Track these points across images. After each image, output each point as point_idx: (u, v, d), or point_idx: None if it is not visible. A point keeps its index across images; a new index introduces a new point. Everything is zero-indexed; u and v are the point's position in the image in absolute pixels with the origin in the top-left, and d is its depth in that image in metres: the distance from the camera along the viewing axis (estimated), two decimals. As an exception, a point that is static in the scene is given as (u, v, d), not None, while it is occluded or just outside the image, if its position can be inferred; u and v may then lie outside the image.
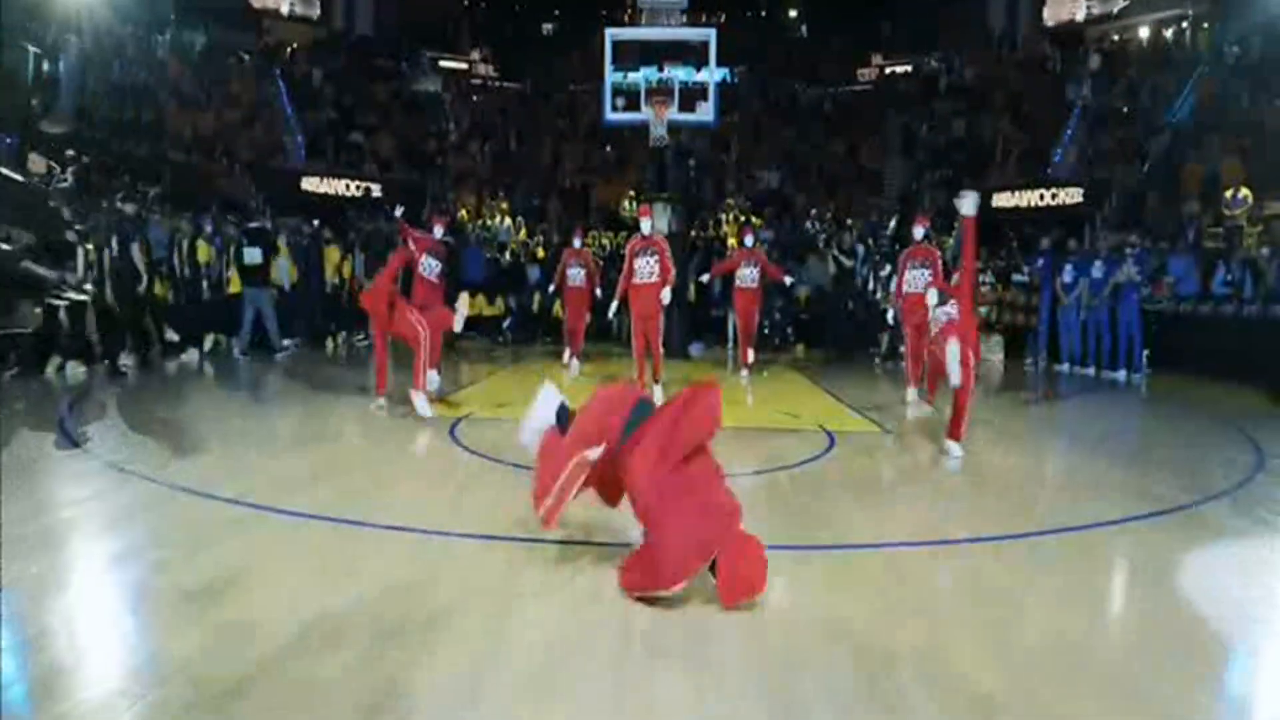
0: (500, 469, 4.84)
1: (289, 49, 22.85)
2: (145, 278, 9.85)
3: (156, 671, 2.36)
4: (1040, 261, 11.38)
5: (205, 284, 10.81)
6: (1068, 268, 11.00)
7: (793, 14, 29.47)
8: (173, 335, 10.22)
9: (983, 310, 12.01)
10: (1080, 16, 24.51)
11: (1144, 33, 23.53)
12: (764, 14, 28.97)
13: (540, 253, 15.15)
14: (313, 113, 20.74)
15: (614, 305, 8.54)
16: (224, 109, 19.06)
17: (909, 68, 24.96)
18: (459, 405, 7.14)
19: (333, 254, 11.89)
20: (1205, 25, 22.15)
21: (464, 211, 16.11)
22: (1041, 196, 17.64)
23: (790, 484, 4.72)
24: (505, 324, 12.70)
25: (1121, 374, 10.44)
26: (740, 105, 23.80)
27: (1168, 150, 17.61)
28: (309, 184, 17.59)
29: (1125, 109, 19.87)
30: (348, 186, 17.89)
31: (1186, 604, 3.08)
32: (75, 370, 8.49)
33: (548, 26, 28.34)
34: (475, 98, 23.04)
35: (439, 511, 3.99)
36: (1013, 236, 14.28)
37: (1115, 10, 23.91)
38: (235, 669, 2.36)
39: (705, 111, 10.70)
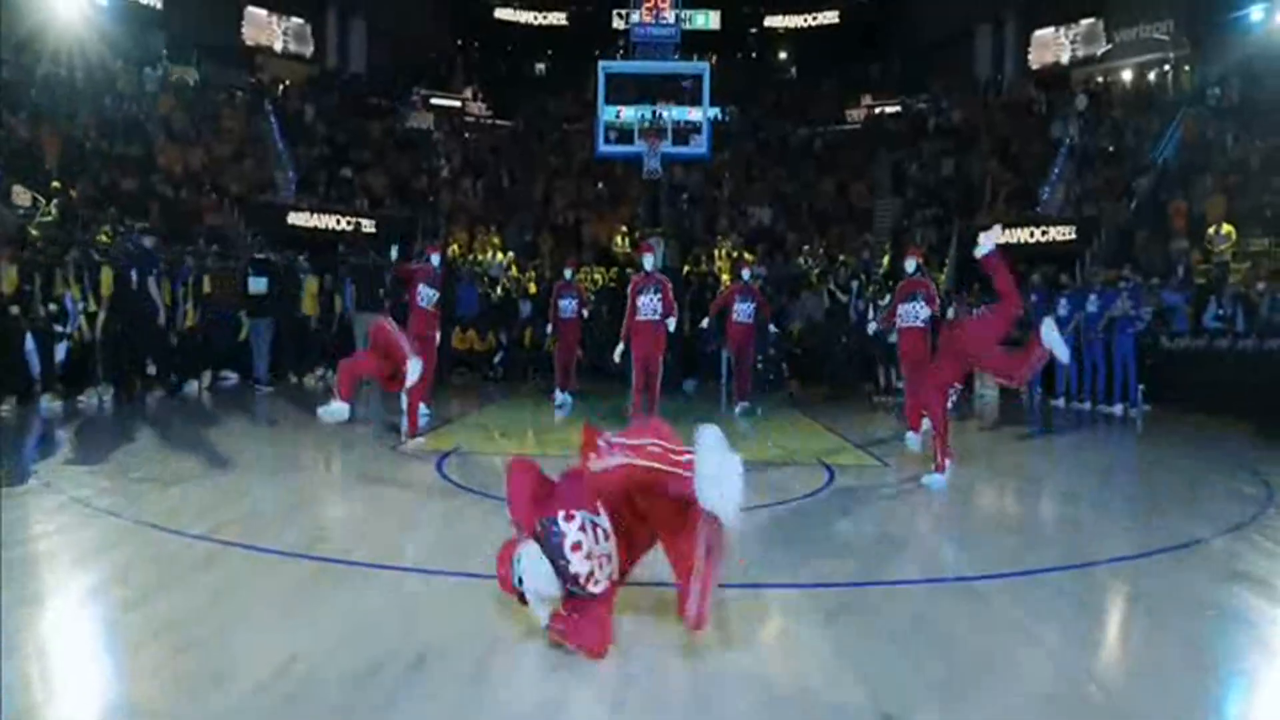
0: (486, 504, 4.63)
1: (282, 86, 22.97)
2: (162, 310, 9.82)
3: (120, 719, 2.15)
4: (1033, 296, 11.33)
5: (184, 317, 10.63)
6: (1062, 301, 10.97)
7: (783, 56, 29.93)
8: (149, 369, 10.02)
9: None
10: (1065, 59, 24.97)
11: (1127, 75, 23.97)
12: (754, 55, 29.41)
13: (532, 288, 15.05)
14: (305, 149, 20.79)
15: (619, 347, 8.25)
16: (214, 144, 19.05)
17: (898, 109, 25.30)
18: (448, 439, 6.94)
19: (310, 285, 11.71)
20: (1186, 68, 22.62)
21: (455, 246, 16.03)
22: (1031, 234, 17.73)
23: (792, 519, 4.54)
24: (496, 359, 12.54)
25: (1118, 408, 10.34)
26: (732, 144, 24.04)
27: (1154, 189, 17.78)
28: (299, 219, 17.51)
29: (1111, 148, 20.15)
30: (339, 221, 17.82)
31: (1214, 639, 2.90)
32: (52, 402, 8.24)
33: (540, 67, 28.65)
34: (467, 135, 23.15)
35: (421, 548, 3.79)
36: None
37: (1099, 54, 24.35)
38: (202, 716, 2.16)
39: (699, 144, 10.72)
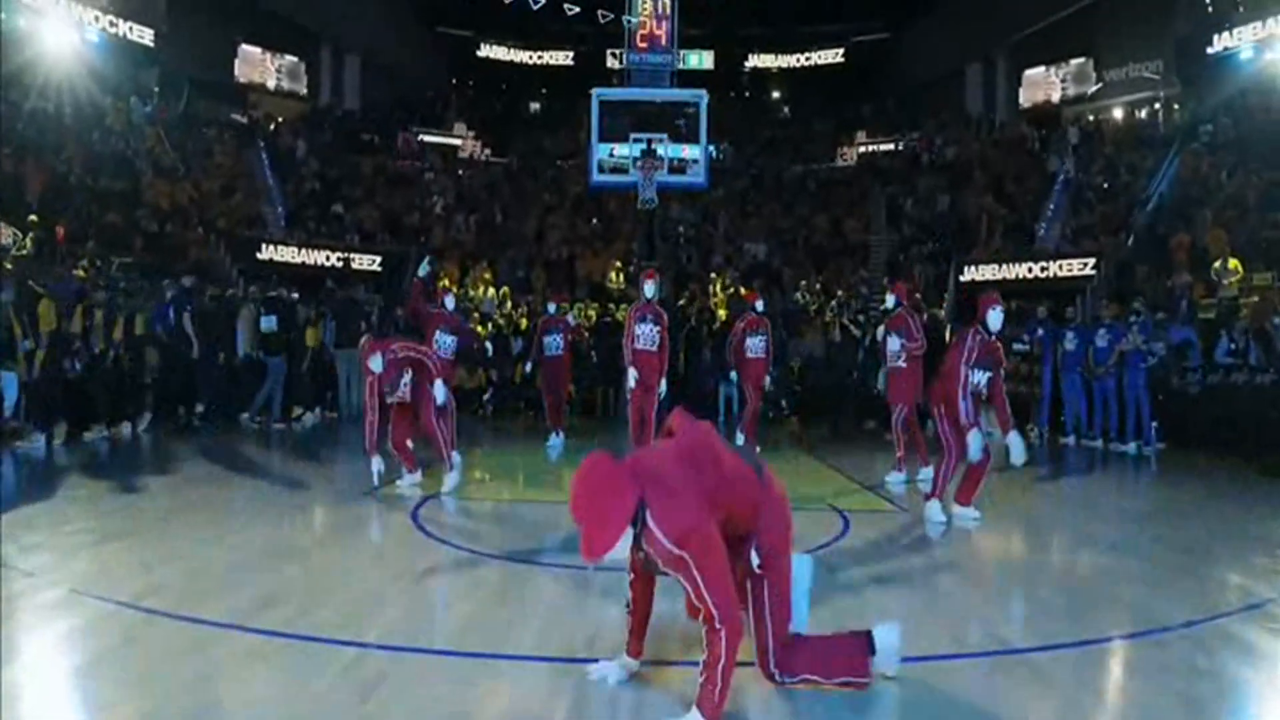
0: (463, 559, 4.10)
1: (273, 122, 22.76)
2: (197, 347, 9.78)
3: None
4: (1039, 330, 10.92)
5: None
6: (1069, 335, 10.55)
7: (776, 95, 30.00)
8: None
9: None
10: (1056, 98, 25.02)
11: (1118, 114, 24.02)
12: (748, 94, 29.46)
13: (524, 323, 14.60)
14: (295, 184, 20.50)
15: (631, 373, 7.80)
16: (203, 179, 18.73)
17: (891, 146, 25.24)
18: (426, 484, 6.39)
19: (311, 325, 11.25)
20: (1175, 106, 22.65)
21: (445, 281, 15.61)
22: (1030, 270, 17.44)
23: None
24: (485, 396, 12.03)
25: (1132, 446, 9.87)
26: (727, 180, 23.86)
27: (1152, 224, 17.57)
28: (287, 254, 17.10)
29: (1106, 184, 20.01)
30: (328, 257, 17.41)
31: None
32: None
33: (535, 105, 28.61)
34: (460, 172, 22.91)
35: (385, 616, 3.25)
36: (1014, 307, 13.89)
37: (1090, 92, 24.41)
38: None
39: (696, 173, 10.36)
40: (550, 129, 27.12)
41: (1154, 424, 9.97)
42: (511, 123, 27.39)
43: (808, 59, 29.32)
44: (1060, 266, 17.23)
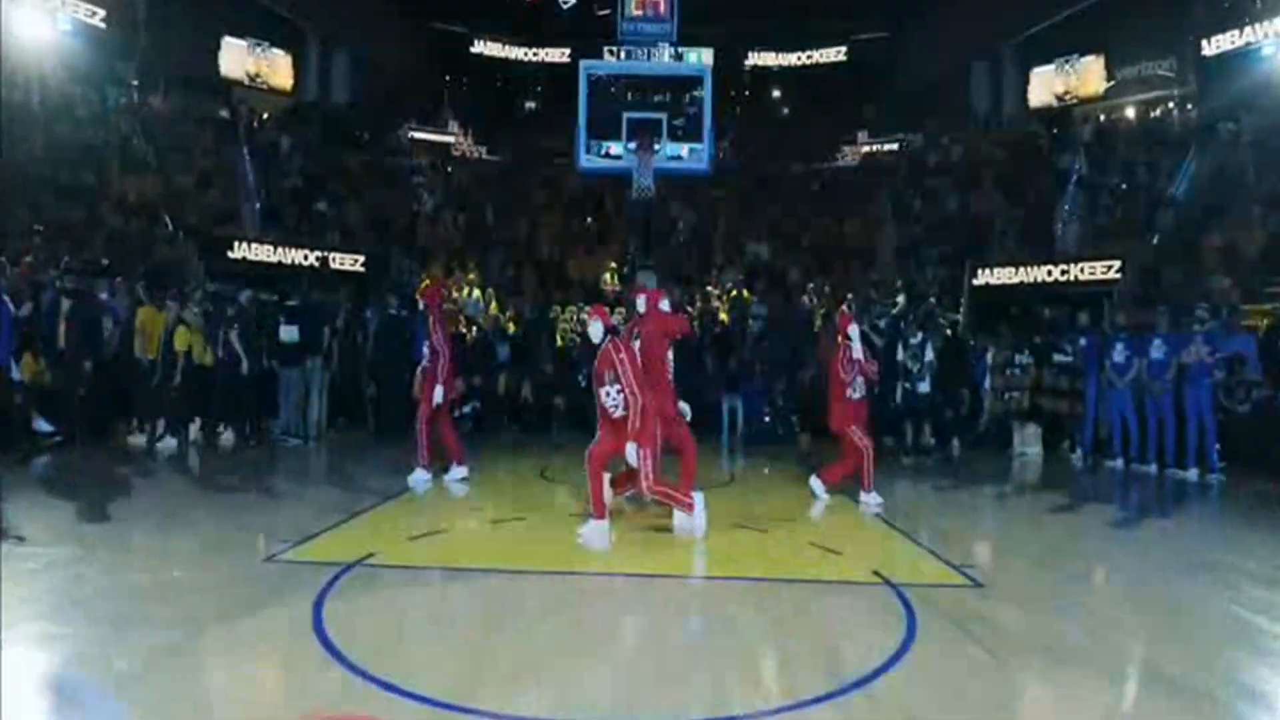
0: (378, 702, 2.65)
1: (257, 117, 21.28)
2: (246, 363, 9.07)
3: None
4: (1082, 341, 9.48)
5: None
6: (1118, 346, 9.11)
7: (776, 94, 28.56)
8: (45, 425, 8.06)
9: (1012, 395, 10.08)
10: (1066, 97, 23.62)
11: (1130, 113, 22.62)
12: (748, 93, 28.03)
13: (511, 327, 13.16)
14: (277, 181, 19.03)
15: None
16: (177, 174, 17.25)
17: (895, 146, 23.85)
18: (362, 539, 4.91)
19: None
20: (1188, 106, 21.28)
21: (427, 282, 14.18)
22: (1049, 273, 16.01)
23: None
24: (465, 408, 10.56)
25: (1193, 473, 8.45)
26: (727, 179, 22.44)
27: (1177, 225, 16.17)
28: (261, 253, 15.63)
29: (1124, 185, 18.61)
30: (305, 257, 15.94)
31: None
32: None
33: (531, 103, 27.15)
34: (449, 169, 21.48)
35: None
36: (1047, 314, 12.54)
37: (1102, 91, 23.01)
38: None
39: (698, 158, 8.93)
40: (545, 127, 25.68)
41: (1216, 446, 8.57)
42: (506, 121, 25.97)
43: (809, 57, 27.89)
44: (1081, 270, 15.79)
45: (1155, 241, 16.08)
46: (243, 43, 22.53)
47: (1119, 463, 9.11)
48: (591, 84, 8.86)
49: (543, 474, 7.73)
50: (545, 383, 11.11)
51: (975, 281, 16.54)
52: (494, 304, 13.90)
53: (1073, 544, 5.50)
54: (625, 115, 8.76)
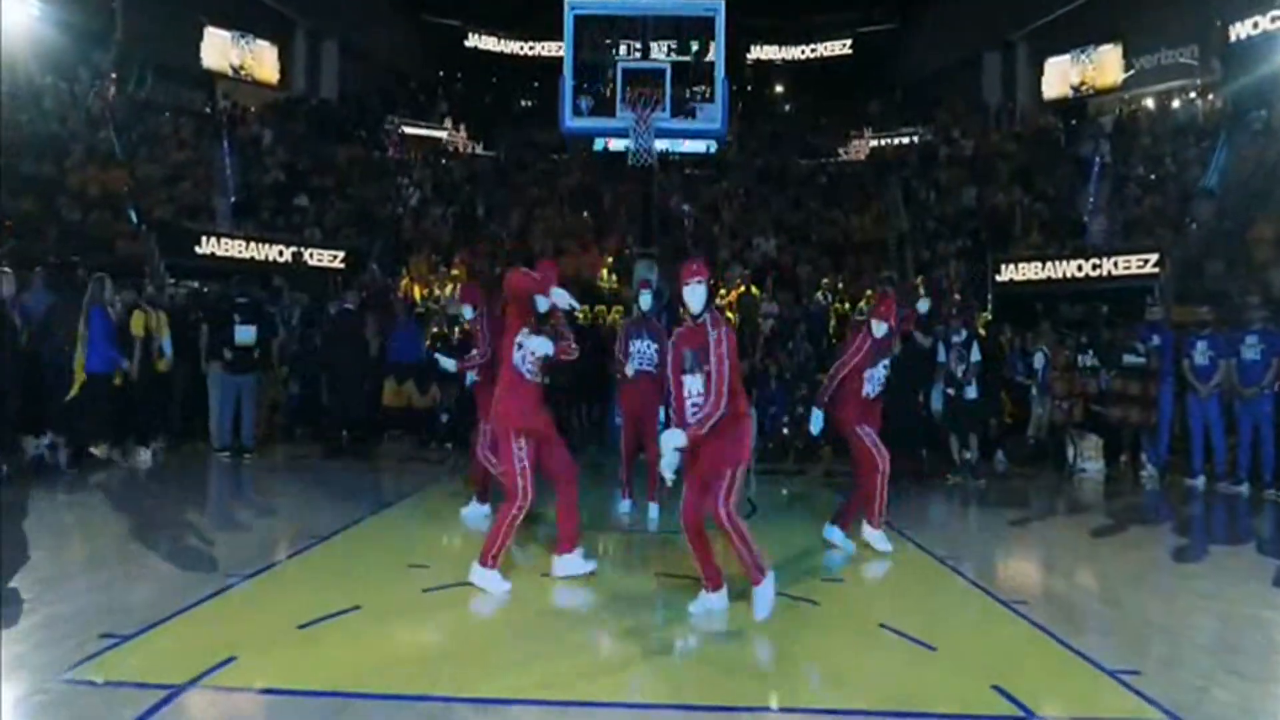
0: None
1: (240, 109, 19.76)
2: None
3: None
4: (1155, 339, 7.91)
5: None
6: (1200, 345, 7.57)
7: (779, 89, 27.00)
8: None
9: (1068, 403, 8.51)
10: (1082, 87, 22.05)
11: (1148, 103, 21.04)
12: (750, 88, 26.47)
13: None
14: (258, 175, 17.51)
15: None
16: (147, 166, 15.72)
17: (905, 139, 22.31)
18: (226, 627, 3.34)
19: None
20: (1209, 96, 19.72)
21: (405, 280, 12.74)
22: (1080, 268, 14.45)
23: None
24: (441, 419, 8.99)
25: (1299, 496, 6.91)
26: (730, 173, 20.93)
27: (1219, 216, 14.61)
28: (233, 248, 14.11)
29: (1152, 175, 17.07)
30: (281, 253, 14.42)
31: None
32: None
33: (528, 98, 25.61)
34: (443, 160, 19.96)
35: None
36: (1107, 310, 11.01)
37: (1121, 80, 21.44)
38: None
39: (710, 117, 7.37)
40: (542, 123, 24.14)
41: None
42: (501, 116, 24.39)
43: (813, 51, 26.33)
44: (1115, 264, 14.22)
45: (1193, 233, 14.53)
46: (226, 33, 20.98)
47: (1199, 481, 7.57)
48: (579, 25, 7.30)
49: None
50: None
51: (999, 277, 15.02)
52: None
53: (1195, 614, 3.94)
54: (620, 64, 7.21)
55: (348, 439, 8.17)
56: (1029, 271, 14.79)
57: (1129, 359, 7.76)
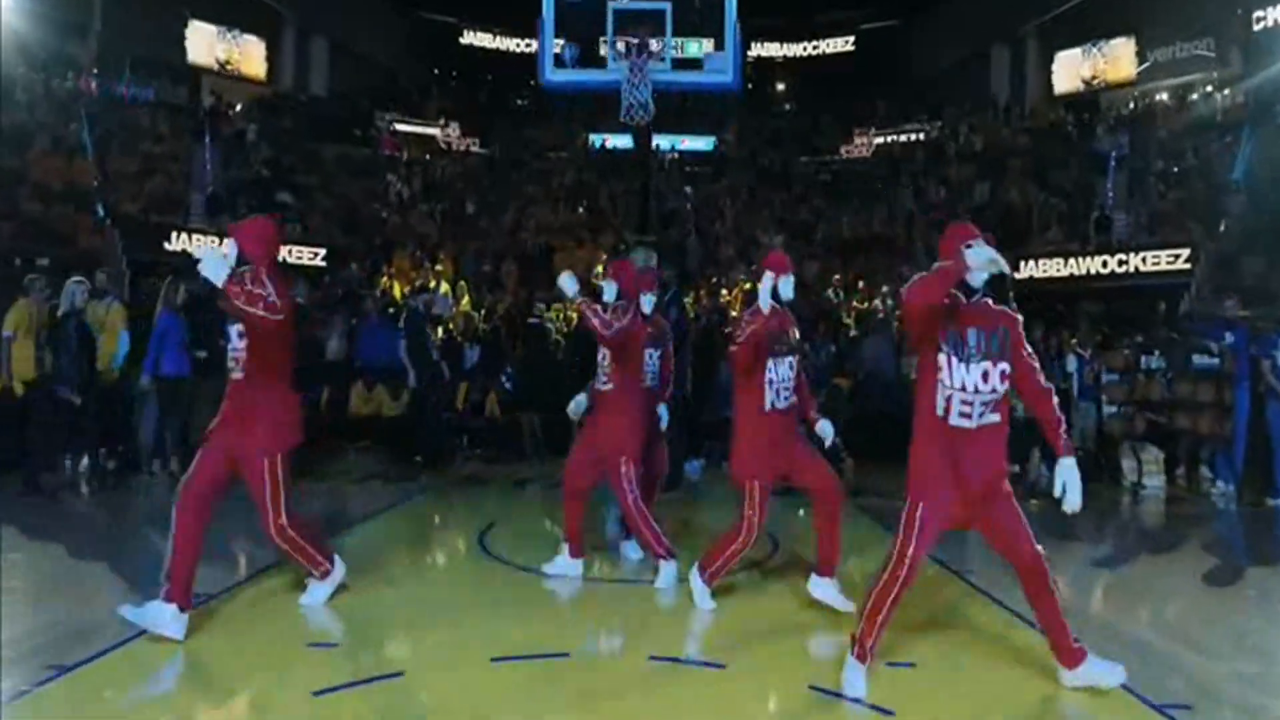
0: None
1: (225, 105, 18.63)
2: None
3: None
4: (1229, 336, 6.72)
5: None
6: (1285, 345, 6.39)
7: (781, 87, 25.87)
8: None
9: (1113, 409, 7.35)
10: (1094, 82, 20.93)
11: (1162, 98, 19.92)
12: (751, 86, 25.34)
13: (483, 326, 10.46)
14: (239, 171, 16.37)
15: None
16: (120, 161, 14.60)
17: (912, 136, 21.21)
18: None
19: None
20: (1226, 90, 18.60)
21: (385, 278, 11.61)
22: (1105, 264, 13.28)
23: None
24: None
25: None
26: (730, 171, 19.85)
27: (1251, 210, 13.46)
28: (206, 244, 12.90)
29: (1175, 168, 15.94)
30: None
31: None
32: None
33: (523, 95, 24.48)
34: (429, 155, 18.90)
35: None
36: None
37: (1134, 75, 20.32)
38: None
39: (719, 67, 6.21)
40: (540, 121, 23.08)
41: None
42: (498, 114, 23.28)
43: (815, 48, 25.21)
44: (1143, 260, 13.04)
45: (1223, 228, 13.38)
46: (212, 27, 19.88)
47: (1284, 501, 6.38)
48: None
49: (482, 540, 4.95)
50: (516, 396, 8.38)
51: (1017, 275, 13.87)
52: (465, 300, 11.19)
53: None
54: (610, 4, 6.04)
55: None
56: (1050, 268, 13.64)
57: (1200, 362, 6.57)
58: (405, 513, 5.88)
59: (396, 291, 11.52)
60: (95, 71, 17.75)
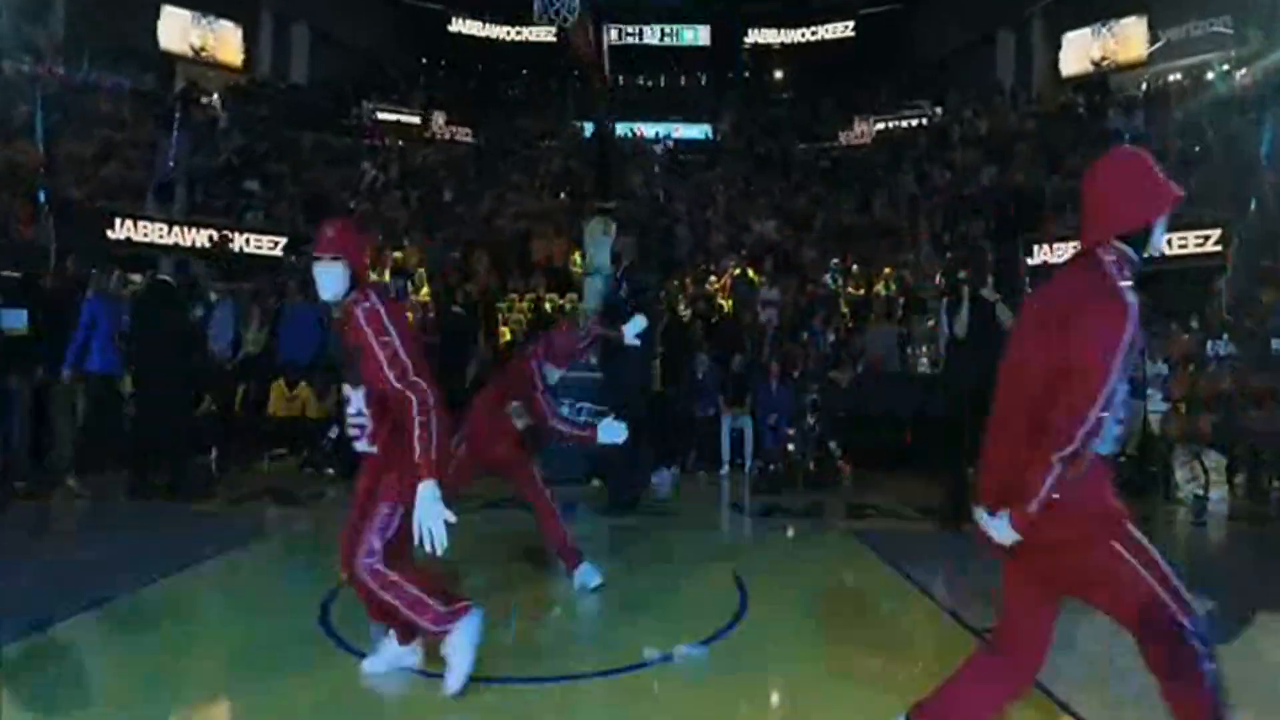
0: None
1: (199, 92, 17.38)
2: None
3: None
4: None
5: None
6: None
7: (779, 75, 24.45)
8: None
9: (1161, 407, 6.00)
10: (1103, 62, 19.47)
11: (1175, 78, 18.46)
12: (747, 74, 23.98)
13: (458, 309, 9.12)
14: (205, 158, 15.10)
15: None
16: (73, 146, 13.34)
17: (913, 121, 19.82)
18: None
19: None
20: (1243, 70, 17.13)
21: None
22: (1129, 246, 11.85)
23: None
24: (330, 433, 6.52)
25: None
26: (725, 161, 18.49)
27: (1284, 188, 12.03)
28: (153, 232, 11.70)
29: (1196, 147, 14.51)
30: (210, 238, 11.98)
31: None
32: None
33: (515, 85, 23.17)
34: (404, 143, 17.62)
35: None
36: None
37: (1145, 55, 18.86)
38: None
39: None
40: (529, 109, 21.76)
41: None
42: (488, 102, 21.93)
43: (814, 34, 23.78)
44: (1169, 242, 11.56)
45: (1263, 208, 11.96)
46: (185, 13, 18.62)
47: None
48: None
49: (325, 612, 3.58)
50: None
51: (1031, 260, 12.51)
52: (424, 290, 9.87)
53: None
54: None
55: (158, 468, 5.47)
56: (1067, 252, 12.22)
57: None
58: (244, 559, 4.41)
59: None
60: (56, 56, 16.53)
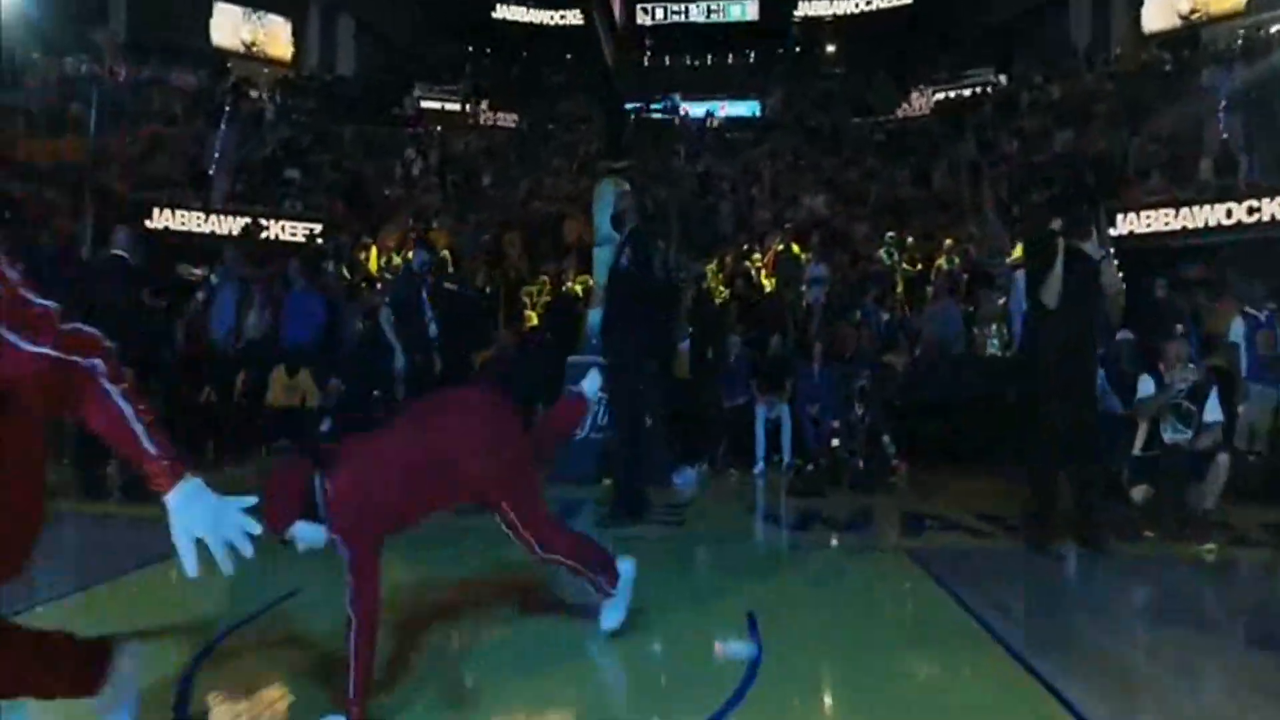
0: None
1: (249, 87, 17.29)
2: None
3: None
4: None
5: None
6: None
7: (830, 49, 23.00)
8: None
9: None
10: (1192, 17, 17.43)
11: (1278, 29, 16.28)
12: (798, 48, 22.64)
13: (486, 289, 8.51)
14: (254, 150, 14.96)
15: None
16: (116, 141, 13.28)
17: (975, 90, 18.24)
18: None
19: None
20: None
21: (362, 254, 9.81)
22: (1230, 212, 10.33)
23: None
24: (322, 426, 5.91)
25: None
26: (774, 136, 17.36)
27: None
28: (191, 220, 11.50)
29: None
30: (245, 227, 11.69)
31: None
32: None
33: (557, 75, 22.47)
34: (443, 129, 17.14)
35: None
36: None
37: (1242, 4, 16.76)
38: None
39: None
40: (572, 95, 21.03)
41: None
42: (531, 90, 21.33)
43: (867, 4, 22.25)
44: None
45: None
46: (237, 9, 18.58)
47: None
48: None
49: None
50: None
51: (1114, 230, 11.08)
52: (449, 268, 9.22)
53: None
54: None
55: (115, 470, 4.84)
56: (1158, 221, 10.77)
57: None
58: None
59: (372, 264, 9.69)
60: (118, 55, 16.67)
